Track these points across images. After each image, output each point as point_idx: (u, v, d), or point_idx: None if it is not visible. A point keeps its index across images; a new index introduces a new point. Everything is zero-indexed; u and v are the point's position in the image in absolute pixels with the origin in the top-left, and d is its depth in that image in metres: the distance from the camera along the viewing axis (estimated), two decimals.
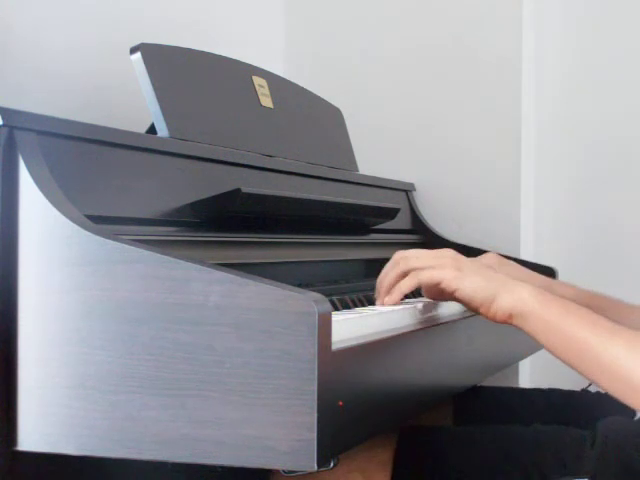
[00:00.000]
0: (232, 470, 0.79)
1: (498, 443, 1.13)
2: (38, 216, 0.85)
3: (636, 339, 0.90)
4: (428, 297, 1.09)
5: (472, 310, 1.01)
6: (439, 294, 1.04)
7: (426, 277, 1.00)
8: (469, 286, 0.98)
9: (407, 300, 1.11)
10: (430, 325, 1.06)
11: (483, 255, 1.29)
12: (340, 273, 1.52)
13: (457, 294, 0.99)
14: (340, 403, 0.78)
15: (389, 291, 1.03)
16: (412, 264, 1.01)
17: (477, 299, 0.98)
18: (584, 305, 1.19)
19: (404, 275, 1.02)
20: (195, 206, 1.12)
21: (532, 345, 0.97)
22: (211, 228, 1.13)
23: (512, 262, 1.29)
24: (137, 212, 1.03)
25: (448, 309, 1.17)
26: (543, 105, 2.02)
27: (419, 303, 1.10)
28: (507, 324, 0.98)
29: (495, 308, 0.97)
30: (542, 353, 0.99)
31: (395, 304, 1.03)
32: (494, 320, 0.98)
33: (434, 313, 1.13)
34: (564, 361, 0.94)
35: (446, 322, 1.11)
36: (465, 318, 1.16)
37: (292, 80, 1.61)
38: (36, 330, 0.84)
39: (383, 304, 1.04)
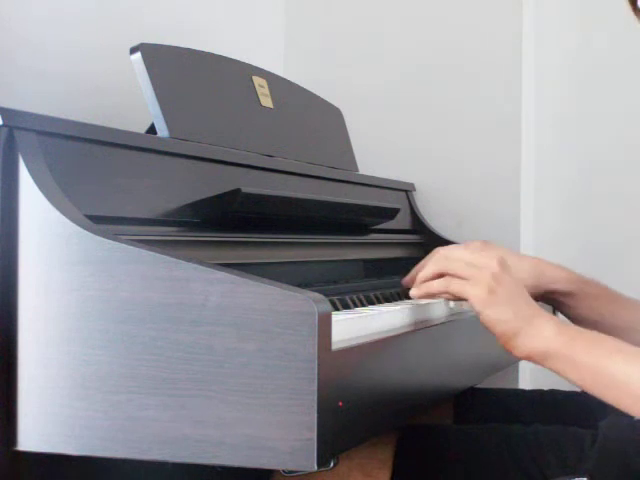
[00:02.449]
0: (232, 470, 0.79)
1: (498, 442, 1.13)
2: (38, 216, 0.85)
3: None
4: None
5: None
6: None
7: (456, 290, 0.98)
8: (493, 316, 0.96)
9: (407, 300, 1.11)
10: (430, 325, 1.07)
11: (468, 243, 1.26)
12: (340, 273, 1.52)
13: (480, 317, 0.97)
14: (340, 403, 0.78)
15: (420, 287, 1.03)
16: (450, 267, 1.00)
17: (498, 330, 0.96)
18: (577, 290, 1.18)
19: (440, 274, 1.01)
20: (195, 206, 1.12)
21: None
22: (211, 228, 1.13)
23: (499, 247, 1.26)
24: (137, 212, 1.03)
25: (449, 309, 1.17)
26: (543, 105, 2.02)
27: (420, 303, 1.10)
28: (524, 360, 0.97)
29: (514, 344, 0.96)
30: None
31: (423, 297, 1.03)
32: (510, 353, 0.97)
33: (435, 313, 1.13)
34: (597, 396, 0.94)
35: (446, 322, 1.11)
36: (465, 318, 1.16)
37: (292, 80, 1.61)
38: (36, 330, 0.84)
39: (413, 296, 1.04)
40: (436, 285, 1.00)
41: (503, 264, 1.00)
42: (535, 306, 0.99)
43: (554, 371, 0.95)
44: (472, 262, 1.00)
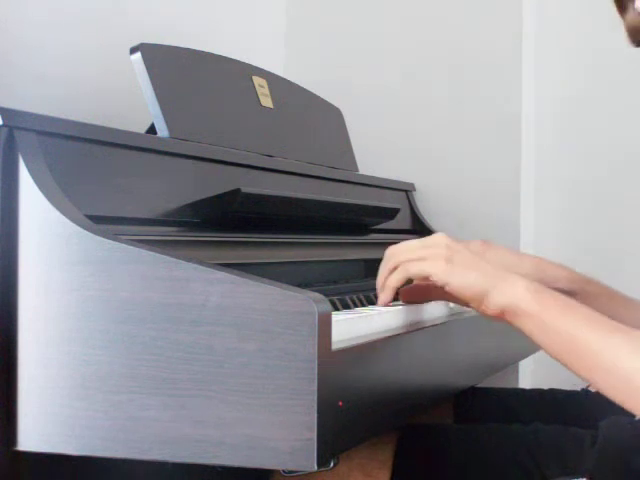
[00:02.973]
0: (232, 470, 0.79)
1: (498, 442, 1.13)
2: (38, 216, 0.85)
3: (638, 339, 0.88)
4: (405, 301, 1.06)
5: (463, 304, 0.99)
6: (421, 295, 1.01)
7: (415, 270, 0.97)
8: (460, 280, 0.94)
9: None
10: (430, 325, 1.06)
11: (468, 242, 1.26)
12: (340, 273, 1.52)
13: (447, 288, 0.95)
14: (340, 403, 0.78)
15: (382, 289, 1.01)
16: (401, 258, 0.99)
17: (468, 294, 0.94)
18: (578, 290, 1.17)
19: (395, 270, 1.00)
20: (195, 206, 1.12)
21: (532, 345, 0.96)
22: (211, 228, 1.13)
23: (500, 245, 1.25)
24: (137, 212, 1.03)
25: (449, 308, 1.17)
26: (543, 105, 2.02)
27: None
28: (498, 320, 0.94)
29: (487, 304, 0.93)
30: (542, 353, 0.98)
31: (390, 302, 1.02)
32: (484, 315, 0.94)
33: (434, 313, 1.13)
34: (559, 360, 0.91)
35: (446, 322, 1.11)
36: (465, 318, 1.16)
37: (292, 80, 1.61)
38: (36, 330, 0.84)
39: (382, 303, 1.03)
40: (394, 277, 0.99)
41: (450, 236, 0.99)
42: (501, 267, 0.97)
43: (525, 332, 0.92)
44: (420, 244, 0.99)
